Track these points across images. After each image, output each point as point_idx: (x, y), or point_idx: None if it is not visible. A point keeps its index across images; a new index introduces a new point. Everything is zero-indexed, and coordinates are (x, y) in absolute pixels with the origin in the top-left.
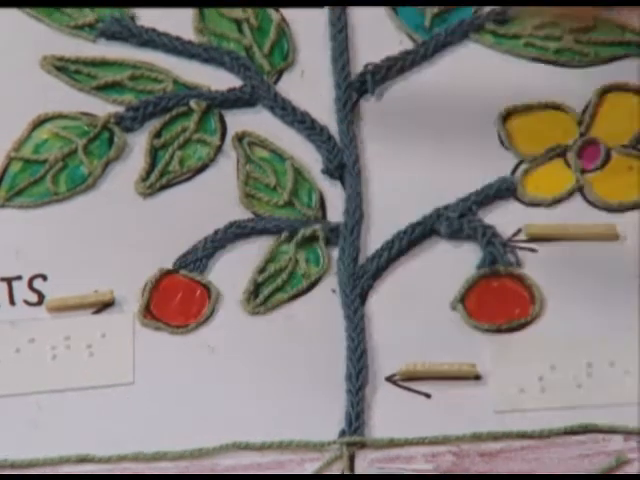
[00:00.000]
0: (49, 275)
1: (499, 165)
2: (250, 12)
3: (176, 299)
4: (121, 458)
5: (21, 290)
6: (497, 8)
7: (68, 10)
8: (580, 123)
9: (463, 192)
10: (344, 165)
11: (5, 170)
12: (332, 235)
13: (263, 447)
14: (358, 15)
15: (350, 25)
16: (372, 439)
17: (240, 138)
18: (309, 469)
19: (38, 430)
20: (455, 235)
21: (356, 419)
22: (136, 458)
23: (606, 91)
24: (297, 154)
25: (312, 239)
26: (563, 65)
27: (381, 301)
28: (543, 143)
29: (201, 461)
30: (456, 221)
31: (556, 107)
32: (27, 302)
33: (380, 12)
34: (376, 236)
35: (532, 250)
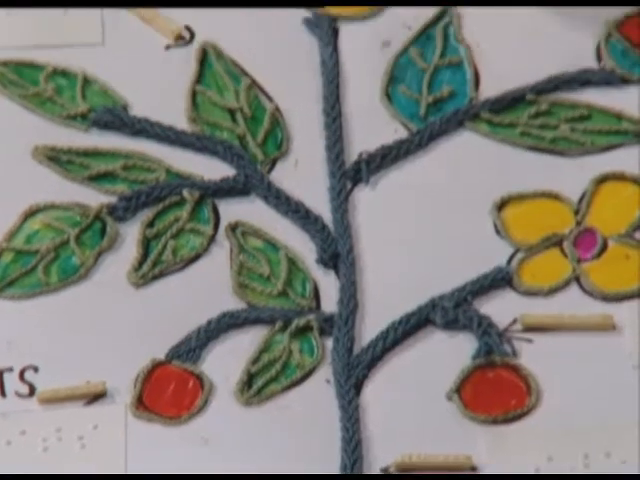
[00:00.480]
0: (40, 366)
1: (495, 254)
2: (244, 101)
3: (169, 390)
4: None
5: (12, 381)
6: (492, 97)
7: (60, 100)
8: (576, 212)
9: (458, 282)
10: (338, 254)
11: None
12: (326, 325)
13: None
14: (352, 103)
15: (344, 114)
16: None
17: (233, 228)
18: None
19: None
20: (450, 325)
21: None
22: None
23: (602, 180)
24: (291, 243)
25: (306, 329)
26: (559, 154)
27: (376, 391)
28: (539, 232)
29: None
30: (451, 311)
31: (552, 196)
32: (18, 394)
33: (375, 101)
34: (371, 326)
35: (528, 340)
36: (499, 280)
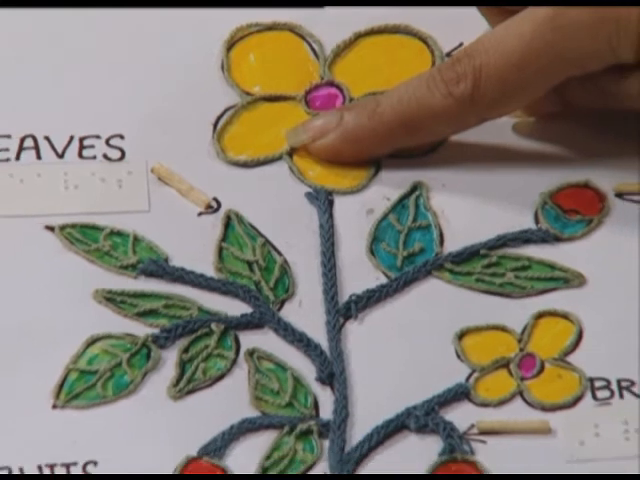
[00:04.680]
0: (99, 461)
1: (456, 374)
2: (259, 255)
3: None
4: None
5: (77, 473)
6: (454, 252)
7: (115, 254)
8: (519, 341)
9: (427, 395)
10: (333, 374)
11: (65, 379)
12: (324, 429)
13: None
14: (344, 257)
15: (338, 265)
16: None
17: (251, 353)
18: None
19: None
20: (421, 429)
21: None
22: None
23: (540, 316)
24: (296, 365)
25: (308, 432)
26: (506, 296)
27: None
28: (490, 356)
29: None
30: (422, 418)
31: (500, 328)
32: None
33: (362, 255)
34: (359, 430)
35: (482, 442)
36: (459, 394)
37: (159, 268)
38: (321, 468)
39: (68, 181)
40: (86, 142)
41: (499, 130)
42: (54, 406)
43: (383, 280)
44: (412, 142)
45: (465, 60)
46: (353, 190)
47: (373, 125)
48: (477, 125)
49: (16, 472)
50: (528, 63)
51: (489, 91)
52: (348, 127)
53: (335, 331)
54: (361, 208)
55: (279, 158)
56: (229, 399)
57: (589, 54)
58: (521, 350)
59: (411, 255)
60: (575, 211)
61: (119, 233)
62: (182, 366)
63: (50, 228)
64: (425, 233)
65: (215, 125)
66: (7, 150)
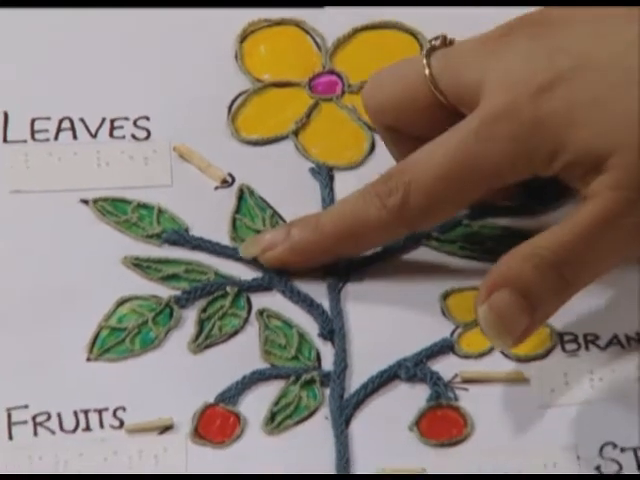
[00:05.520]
0: (128, 407)
1: (442, 329)
2: (268, 225)
3: (216, 424)
4: None
5: (108, 417)
6: (439, 227)
7: (142, 225)
8: None
9: (417, 348)
10: (334, 331)
11: (97, 335)
12: (325, 379)
13: None
14: None
15: None
16: None
17: (261, 312)
18: None
19: None
20: (411, 379)
21: None
22: None
23: None
24: (301, 323)
25: (311, 382)
26: (486, 261)
27: (360, 425)
28: (472, 314)
29: None
30: (412, 369)
31: None
32: (112, 426)
33: None
34: (356, 379)
35: (465, 389)
36: (445, 347)
37: (180, 237)
38: (322, 413)
39: (100, 159)
40: (116, 123)
41: None
42: (88, 359)
43: (378, 247)
44: (352, 251)
45: (397, 176)
46: (352, 166)
47: (316, 238)
48: (409, 234)
49: (54, 417)
50: (453, 175)
51: (417, 204)
52: (294, 240)
53: (335, 293)
54: (359, 182)
55: (286, 137)
56: (242, 353)
57: (508, 167)
58: None
59: None
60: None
61: (145, 206)
62: (200, 324)
63: (84, 201)
64: None
65: (230, 108)
66: (47, 131)
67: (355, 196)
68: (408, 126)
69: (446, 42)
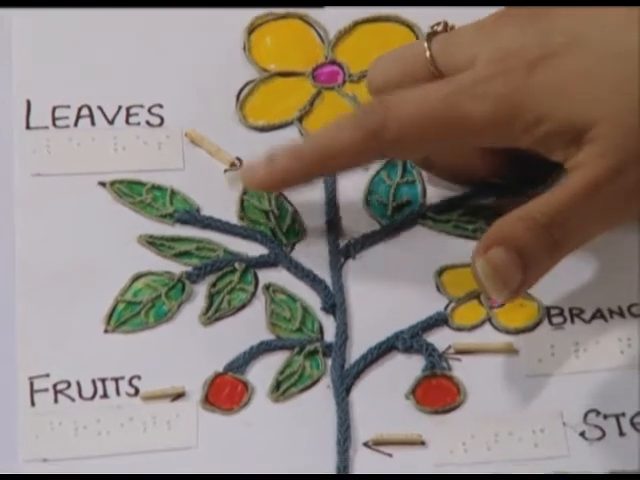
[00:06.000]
0: (142, 376)
1: (436, 304)
2: (274, 206)
3: (225, 391)
4: None
5: (124, 385)
6: (434, 203)
7: (156, 205)
8: None
9: (413, 321)
10: (335, 305)
11: (114, 308)
12: (327, 350)
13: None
14: (345, 209)
15: (339, 215)
16: None
17: (267, 287)
18: None
19: None
20: (408, 350)
21: (344, 470)
22: None
23: None
24: (304, 297)
25: (314, 352)
26: (478, 239)
27: (360, 393)
28: (464, 289)
29: None
30: (408, 340)
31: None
32: (127, 393)
33: (359, 206)
34: (356, 350)
35: (458, 359)
36: (439, 320)
37: (191, 217)
38: (324, 382)
39: (117, 144)
40: (132, 111)
41: None
42: (105, 331)
43: (376, 227)
44: (326, 172)
45: (380, 102)
46: None
47: (295, 164)
48: (379, 160)
49: (74, 385)
50: (434, 117)
51: (393, 131)
52: (274, 166)
53: (337, 269)
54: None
55: (290, 123)
56: (249, 325)
57: (487, 126)
58: None
59: (400, 206)
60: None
61: (159, 187)
62: (210, 298)
63: (102, 184)
64: (411, 187)
65: (238, 96)
66: (67, 118)
67: (334, 120)
68: None
69: (447, 28)
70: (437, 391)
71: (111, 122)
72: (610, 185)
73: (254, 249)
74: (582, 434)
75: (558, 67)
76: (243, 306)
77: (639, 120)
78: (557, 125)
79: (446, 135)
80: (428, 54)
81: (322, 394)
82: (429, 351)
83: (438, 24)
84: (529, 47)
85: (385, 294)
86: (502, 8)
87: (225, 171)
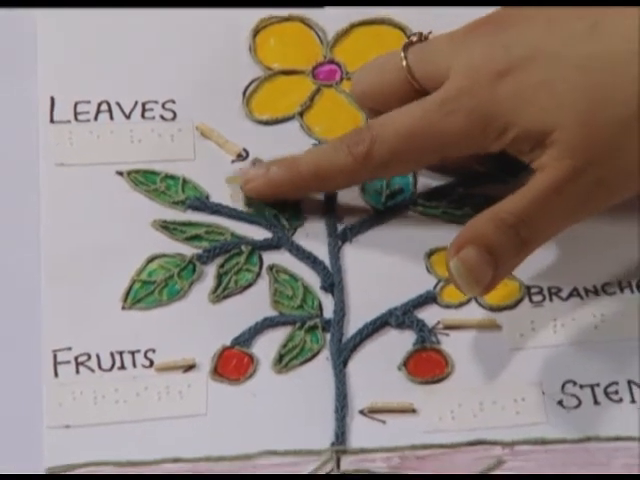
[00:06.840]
0: (157, 349)
1: (426, 283)
2: None
3: (232, 363)
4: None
5: (139, 358)
6: (424, 191)
7: (169, 193)
8: None
9: (405, 299)
10: (334, 284)
11: (131, 287)
12: (326, 325)
13: (286, 453)
14: (342, 195)
15: (337, 201)
16: (351, 448)
17: (271, 268)
18: (310, 468)
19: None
20: (400, 326)
21: (341, 436)
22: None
23: None
24: (305, 276)
25: (314, 328)
26: (464, 224)
27: (356, 365)
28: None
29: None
30: (401, 317)
31: None
32: (143, 365)
33: (355, 193)
34: (353, 326)
35: (446, 334)
36: (429, 298)
37: (202, 204)
38: (324, 355)
39: (133, 136)
40: (147, 106)
41: None
42: (123, 308)
43: (371, 213)
44: (320, 190)
45: (366, 130)
46: None
47: (291, 176)
48: (369, 180)
49: (94, 357)
50: (414, 138)
51: (379, 156)
52: (271, 176)
53: (335, 251)
54: None
55: (292, 118)
56: (254, 303)
57: (463, 138)
58: None
59: (393, 194)
60: None
61: (172, 177)
62: (219, 278)
63: (120, 173)
64: (403, 177)
65: (244, 93)
66: (87, 113)
67: (329, 144)
68: (387, 108)
69: (422, 38)
70: (427, 363)
71: (128, 116)
72: (571, 185)
73: (259, 233)
74: (560, 403)
75: (520, 79)
76: (249, 285)
77: (595, 124)
78: (522, 131)
79: (428, 152)
80: (404, 63)
81: (321, 366)
82: (420, 326)
83: (414, 34)
84: (494, 61)
85: (379, 274)
86: (469, 22)
87: (233, 161)
